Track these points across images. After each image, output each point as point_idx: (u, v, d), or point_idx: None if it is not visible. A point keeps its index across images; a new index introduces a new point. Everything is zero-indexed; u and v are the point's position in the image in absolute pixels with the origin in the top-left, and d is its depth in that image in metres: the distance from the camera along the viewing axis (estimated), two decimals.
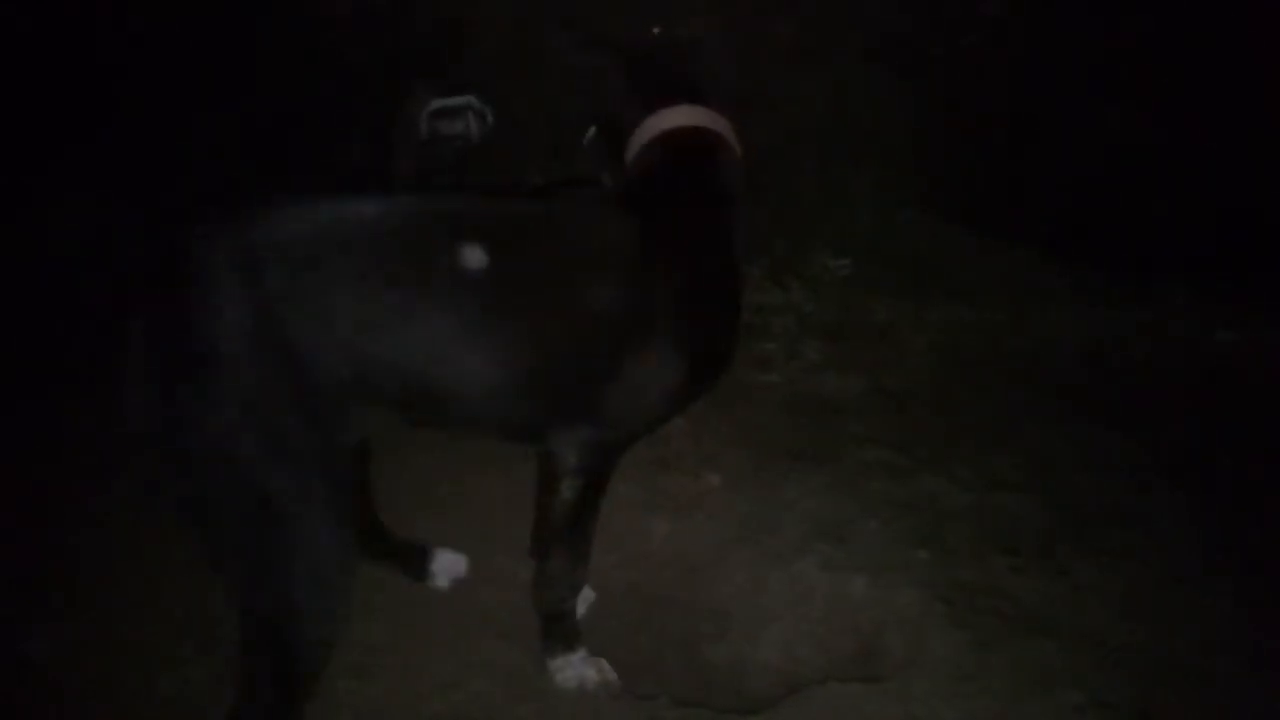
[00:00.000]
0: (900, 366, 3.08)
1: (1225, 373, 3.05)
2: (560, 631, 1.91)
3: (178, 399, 1.38)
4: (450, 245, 1.51)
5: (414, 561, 2.13)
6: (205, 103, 3.85)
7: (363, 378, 1.47)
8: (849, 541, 2.20)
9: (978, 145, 4.12)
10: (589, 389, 1.66)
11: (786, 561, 2.16)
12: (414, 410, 1.62)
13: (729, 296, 1.83)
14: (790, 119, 4.31)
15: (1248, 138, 3.68)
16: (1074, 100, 4.13)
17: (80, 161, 3.57)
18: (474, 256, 1.50)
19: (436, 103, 4.16)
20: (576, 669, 1.89)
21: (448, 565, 2.15)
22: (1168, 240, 3.53)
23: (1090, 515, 2.34)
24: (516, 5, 4.48)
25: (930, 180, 4.11)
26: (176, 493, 1.43)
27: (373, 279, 1.46)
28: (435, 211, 1.57)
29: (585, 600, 2.07)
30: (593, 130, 2.11)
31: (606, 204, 1.80)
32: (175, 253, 1.45)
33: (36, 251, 3.28)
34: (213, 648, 1.87)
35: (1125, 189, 3.80)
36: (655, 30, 4.64)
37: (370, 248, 1.48)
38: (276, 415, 1.39)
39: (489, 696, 1.85)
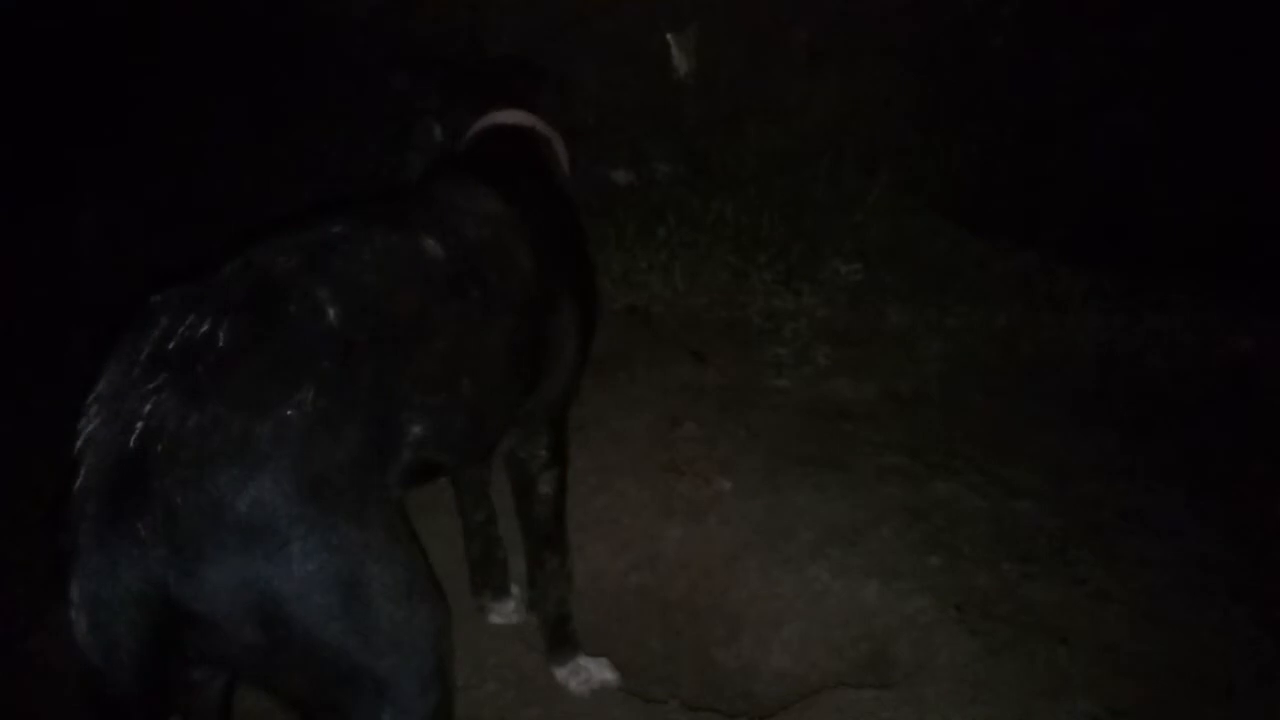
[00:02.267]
0: (913, 371, 3.07)
1: (1241, 378, 3.02)
2: (565, 634, 1.93)
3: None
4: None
5: (490, 590, 2.20)
6: (219, 105, 3.89)
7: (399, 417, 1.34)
8: (861, 547, 2.20)
9: (992, 150, 4.12)
10: (530, 371, 1.63)
11: (798, 566, 2.17)
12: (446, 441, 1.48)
13: (580, 241, 1.94)
14: (805, 123, 4.32)
15: (1265, 143, 3.66)
16: (1089, 105, 4.12)
17: (93, 162, 3.62)
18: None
19: (447, 111, 4.19)
20: (587, 672, 1.91)
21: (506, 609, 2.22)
22: (1183, 245, 3.51)
23: (1104, 522, 2.33)
24: (528, 9, 4.51)
25: (944, 185, 4.10)
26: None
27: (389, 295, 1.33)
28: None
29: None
30: (437, 128, 2.38)
31: (465, 183, 1.71)
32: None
33: (47, 251, 3.32)
34: None
35: (1141, 194, 3.79)
36: (668, 37, 4.67)
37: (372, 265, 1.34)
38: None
39: (501, 699, 1.87)
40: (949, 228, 3.87)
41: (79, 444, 1.12)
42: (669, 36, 4.54)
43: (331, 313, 1.22)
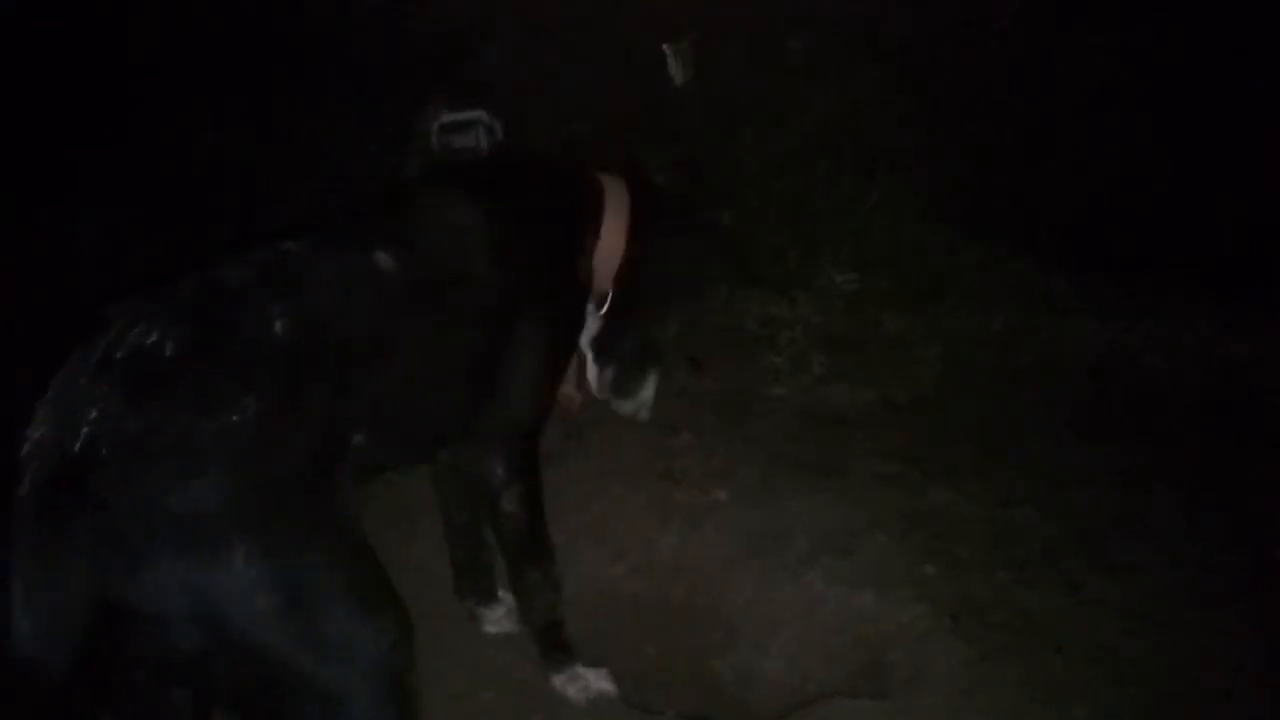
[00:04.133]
0: (909, 378, 3.07)
1: (1236, 386, 3.03)
2: (557, 641, 1.92)
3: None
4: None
5: (477, 597, 2.18)
6: (219, 105, 3.89)
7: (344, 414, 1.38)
8: (856, 555, 2.20)
9: (988, 156, 4.13)
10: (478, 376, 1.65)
11: (794, 574, 2.17)
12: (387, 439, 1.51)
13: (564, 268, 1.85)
14: (801, 130, 4.33)
15: (1261, 149, 3.67)
16: (1085, 111, 4.13)
17: (93, 163, 3.61)
18: None
19: (447, 116, 4.20)
20: (583, 679, 1.91)
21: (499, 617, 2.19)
22: (1179, 252, 3.51)
23: (1100, 529, 2.33)
24: (525, 14, 4.52)
25: (940, 191, 4.11)
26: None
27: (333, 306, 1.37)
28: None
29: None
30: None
31: (446, 192, 1.74)
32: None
33: (47, 251, 3.31)
34: None
35: (1137, 200, 3.79)
36: (663, 47, 4.68)
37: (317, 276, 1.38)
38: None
39: (500, 706, 1.86)
40: (945, 233, 3.87)
41: (25, 448, 1.15)
42: (665, 47, 4.56)
43: (279, 326, 1.25)
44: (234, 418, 1.16)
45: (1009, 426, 2.82)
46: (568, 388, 2.00)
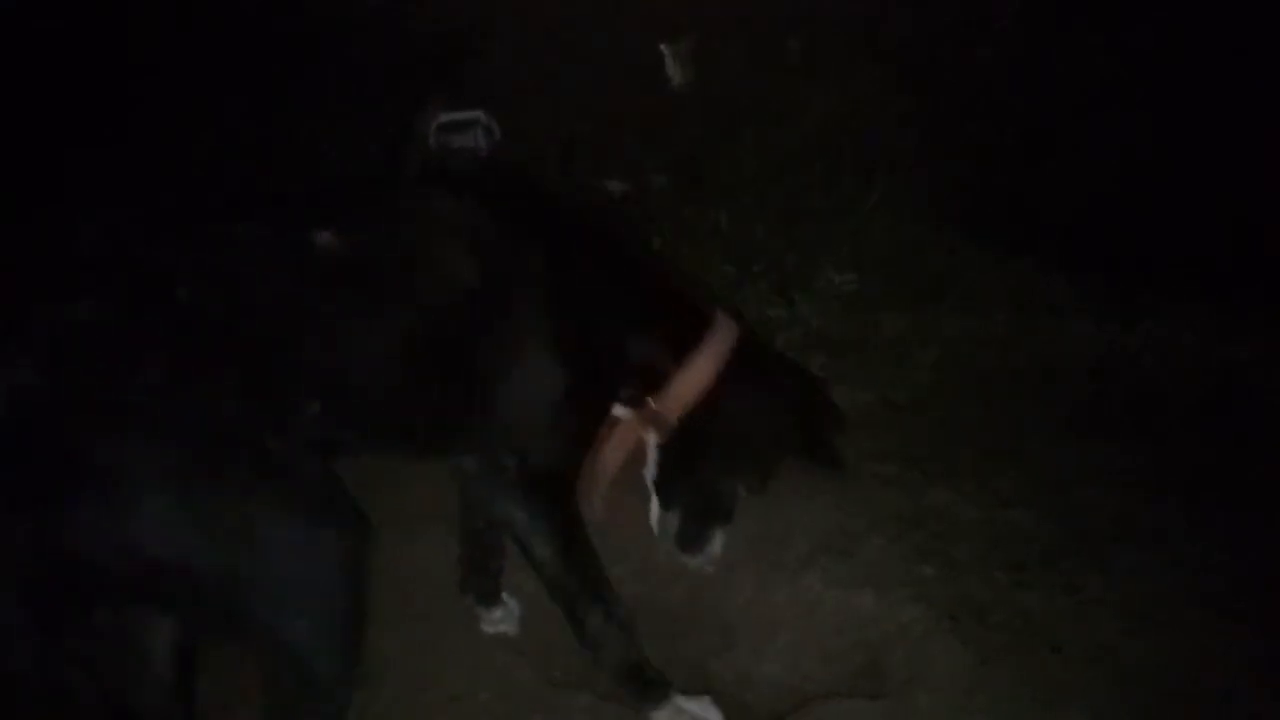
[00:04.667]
0: (908, 380, 3.08)
1: (1234, 387, 3.04)
2: (646, 681, 1.78)
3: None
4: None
5: (479, 595, 2.14)
6: (219, 105, 3.89)
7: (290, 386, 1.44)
8: (855, 556, 2.20)
9: (987, 157, 4.13)
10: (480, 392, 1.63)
11: (793, 576, 2.17)
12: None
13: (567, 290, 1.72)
14: (799, 131, 4.34)
15: (1261, 150, 3.68)
16: (1084, 112, 4.14)
17: (93, 163, 3.61)
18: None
19: (445, 116, 4.20)
20: (688, 714, 1.78)
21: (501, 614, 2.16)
22: (1177, 254, 3.52)
23: (1098, 531, 2.34)
24: (525, 14, 4.52)
25: (939, 192, 4.12)
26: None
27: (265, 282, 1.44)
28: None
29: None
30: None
31: (434, 187, 1.74)
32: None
33: (47, 253, 3.31)
34: (216, 661, 1.87)
35: (1135, 202, 3.80)
36: (662, 47, 4.69)
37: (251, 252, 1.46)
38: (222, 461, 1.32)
39: (499, 708, 1.86)
40: (944, 235, 3.88)
41: None
42: (663, 47, 4.56)
43: (183, 293, 1.35)
44: (147, 380, 1.27)
45: (1008, 428, 2.82)
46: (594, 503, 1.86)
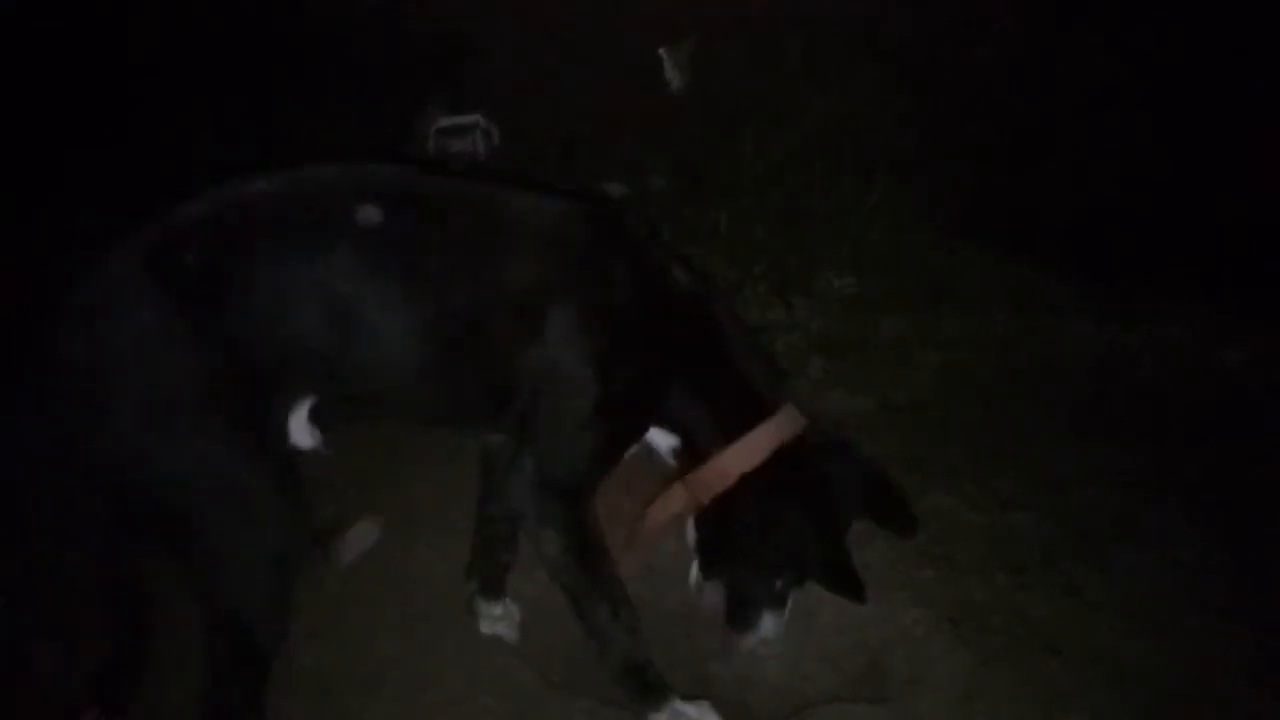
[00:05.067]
0: (907, 382, 3.08)
1: (1234, 390, 3.04)
2: (645, 683, 1.76)
3: (93, 410, 1.45)
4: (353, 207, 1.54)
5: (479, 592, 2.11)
6: (219, 105, 3.89)
7: (288, 359, 1.51)
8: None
9: (986, 159, 4.14)
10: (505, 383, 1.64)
11: None
12: (345, 391, 1.60)
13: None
14: (799, 133, 4.34)
15: (1259, 153, 3.68)
16: (1083, 115, 4.14)
17: (93, 163, 3.60)
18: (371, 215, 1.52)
19: (444, 120, 4.21)
20: (688, 715, 1.76)
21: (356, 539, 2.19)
22: (1177, 255, 3.52)
23: (1099, 533, 2.34)
24: (525, 16, 4.52)
25: (938, 195, 4.12)
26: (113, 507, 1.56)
27: (282, 253, 1.50)
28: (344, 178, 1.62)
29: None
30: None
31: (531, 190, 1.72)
32: (87, 269, 1.51)
33: (47, 253, 3.30)
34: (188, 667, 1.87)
35: (1135, 204, 3.80)
36: (661, 51, 4.69)
37: (276, 222, 1.52)
38: (196, 410, 1.45)
39: (497, 712, 1.86)
40: (943, 237, 3.88)
41: None
42: (662, 51, 4.56)
43: (189, 258, 1.46)
44: (139, 328, 1.42)
45: (1008, 429, 2.83)
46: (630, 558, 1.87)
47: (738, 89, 4.49)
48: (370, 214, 1.50)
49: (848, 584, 1.70)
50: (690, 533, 1.84)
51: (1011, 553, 2.26)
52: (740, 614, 1.82)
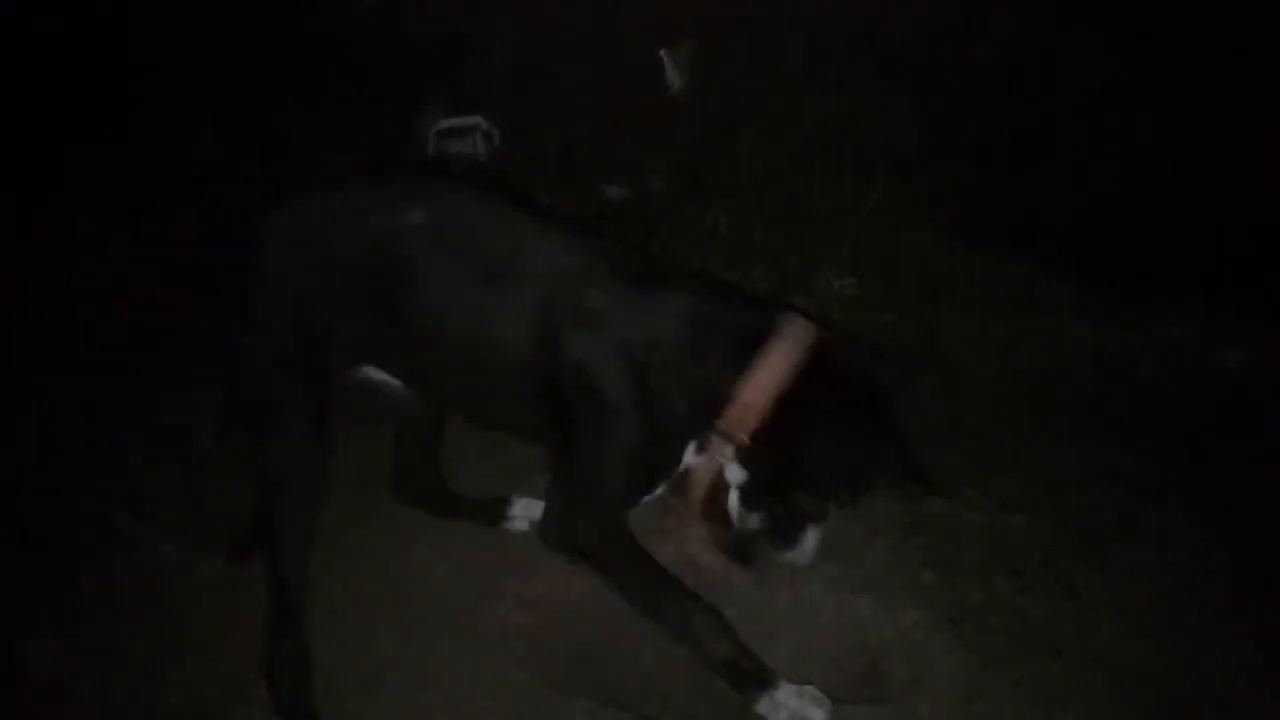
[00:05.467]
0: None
1: (1233, 392, 3.03)
2: (743, 673, 1.75)
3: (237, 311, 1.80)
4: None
5: (492, 510, 2.27)
6: (219, 105, 3.89)
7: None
8: (855, 562, 2.20)
9: (986, 161, 4.13)
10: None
11: (792, 582, 2.16)
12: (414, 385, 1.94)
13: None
14: (799, 135, 4.34)
15: (1259, 155, 3.68)
16: (1083, 116, 4.14)
17: (93, 163, 3.61)
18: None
19: (444, 122, 4.21)
20: (787, 708, 1.73)
21: (524, 509, 2.27)
22: (1177, 256, 3.52)
23: (1099, 534, 2.34)
24: (525, 17, 4.52)
25: (938, 196, 4.12)
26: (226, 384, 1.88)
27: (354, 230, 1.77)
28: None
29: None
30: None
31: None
32: (250, 219, 1.81)
33: (45, 252, 3.31)
34: (218, 664, 1.88)
35: (1134, 206, 3.80)
36: (661, 53, 4.70)
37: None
38: (291, 346, 1.77)
39: (497, 713, 1.86)
40: (943, 238, 3.87)
41: None
42: (662, 53, 4.56)
43: (272, 249, 1.79)
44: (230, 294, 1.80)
45: (1007, 431, 2.81)
46: (708, 556, 1.94)
47: (737, 90, 4.50)
48: (416, 216, 1.76)
49: (924, 477, 1.70)
50: (734, 474, 1.79)
51: (1011, 554, 2.26)
52: (786, 534, 1.82)
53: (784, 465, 1.71)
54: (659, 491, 1.87)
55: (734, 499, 1.83)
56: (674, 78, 4.57)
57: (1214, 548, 2.28)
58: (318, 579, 2.07)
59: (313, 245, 1.76)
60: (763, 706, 1.73)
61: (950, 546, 2.27)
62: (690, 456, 1.80)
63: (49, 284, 3.15)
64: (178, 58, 3.86)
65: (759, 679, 1.74)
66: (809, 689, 1.75)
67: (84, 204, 3.44)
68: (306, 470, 1.79)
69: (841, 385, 1.68)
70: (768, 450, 1.70)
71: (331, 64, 4.26)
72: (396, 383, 1.94)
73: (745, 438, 1.69)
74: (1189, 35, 3.91)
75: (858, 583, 2.13)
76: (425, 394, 1.99)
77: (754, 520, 1.81)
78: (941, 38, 4.46)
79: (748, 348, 1.67)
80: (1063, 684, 1.89)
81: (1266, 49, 3.72)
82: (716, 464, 1.77)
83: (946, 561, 2.22)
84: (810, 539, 1.82)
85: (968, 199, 4.05)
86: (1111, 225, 3.77)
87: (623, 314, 1.70)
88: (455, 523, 2.27)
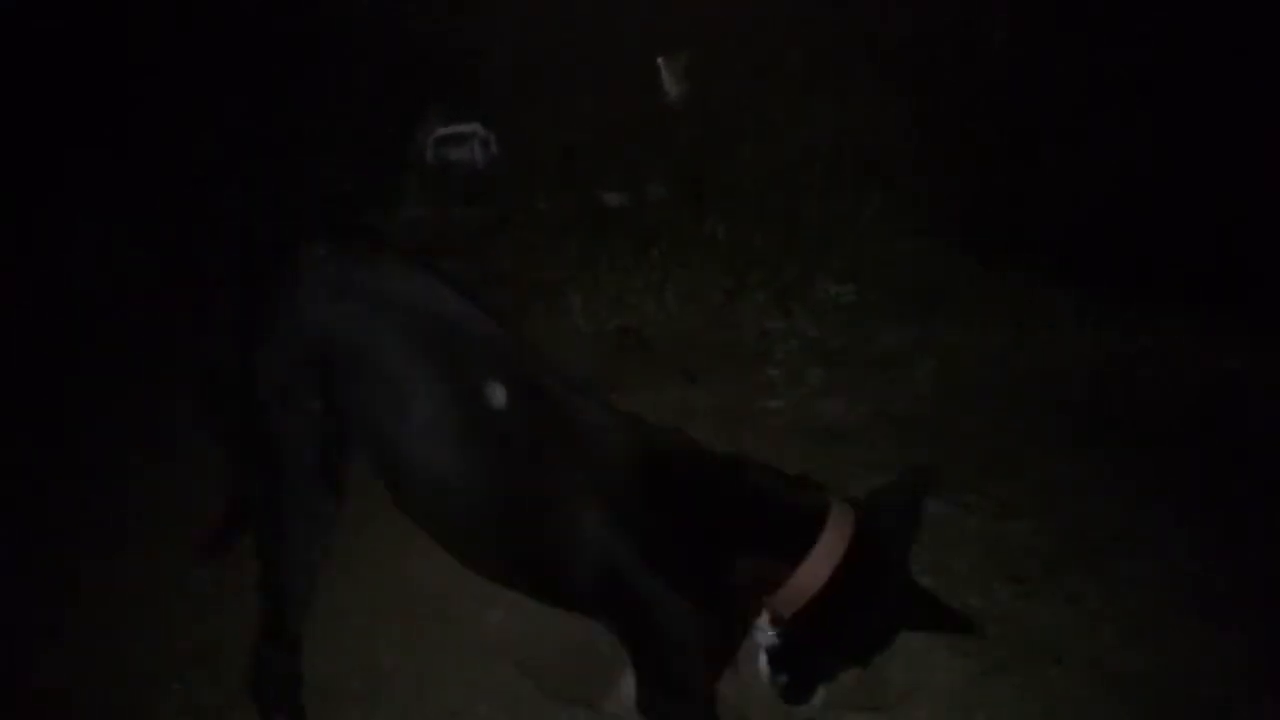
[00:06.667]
0: (905, 392, 3.07)
1: (1232, 398, 3.04)
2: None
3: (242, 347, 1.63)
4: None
5: None
6: (219, 105, 3.88)
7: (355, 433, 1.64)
8: None
9: (983, 169, 4.15)
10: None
11: None
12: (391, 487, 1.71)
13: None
14: (797, 144, 4.35)
15: (1258, 160, 3.69)
16: (1082, 124, 4.15)
17: (92, 163, 3.60)
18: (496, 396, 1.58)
19: (443, 129, 4.21)
20: None
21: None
22: (1174, 264, 3.53)
23: (1097, 541, 2.34)
24: (524, 22, 4.52)
25: (934, 205, 4.13)
26: (219, 422, 1.72)
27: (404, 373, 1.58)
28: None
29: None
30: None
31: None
32: (283, 251, 1.68)
33: (45, 252, 3.30)
34: (219, 673, 1.87)
35: (1132, 213, 3.81)
36: (659, 61, 4.70)
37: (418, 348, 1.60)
38: (296, 395, 1.61)
39: None
40: (941, 247, 3.89)
41: None
42: (659, 60, 4.57)
43: (308, 280, 1.61)
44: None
45: (1005, 439, 2.82)
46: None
47: (736, 97, 4.51)
48: (497, 395, 1.57)
49: (953, 620, 1.72)
50: (763, 637, 1.80)
51: (1011, 560, 2.27)
52: (799, 693, 1.82)
53: (820, 636, 1.73)
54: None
55: (763, 661, 1.82)
56: (671, 86, 4.58)
57: (1214, 552, 2.29)
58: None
59: (349, 289, 1.62)
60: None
61: (949, 553, 2.27)
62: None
63: (49, 284, 3.15)
64: (178, 58, 3.85)
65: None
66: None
67: (84, 204, 3.43)
68: (317, 508, 1.68)
69: (876, 563, 1.69)
70: (807, 624, 1.71)
71: (331, 64, 4.25)
72: None
73: (787, 615, 1.71)
74: (1189, 36, 3.91)
75: None
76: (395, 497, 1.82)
77: (781, 680, 1.82)
78: (941, 46, 4.47)
79: (804, 534, 1.67)
80: (1063, 690, 1.89)
81: (1266, 49, 3.72)
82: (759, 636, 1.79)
83: (945, 568, 2.22)
84: (819, 695, 1.84)
85: (967, 204, 4.06)
86: (1111, 229, 3.77)
87: (674, 502, 1.66)
88: None
